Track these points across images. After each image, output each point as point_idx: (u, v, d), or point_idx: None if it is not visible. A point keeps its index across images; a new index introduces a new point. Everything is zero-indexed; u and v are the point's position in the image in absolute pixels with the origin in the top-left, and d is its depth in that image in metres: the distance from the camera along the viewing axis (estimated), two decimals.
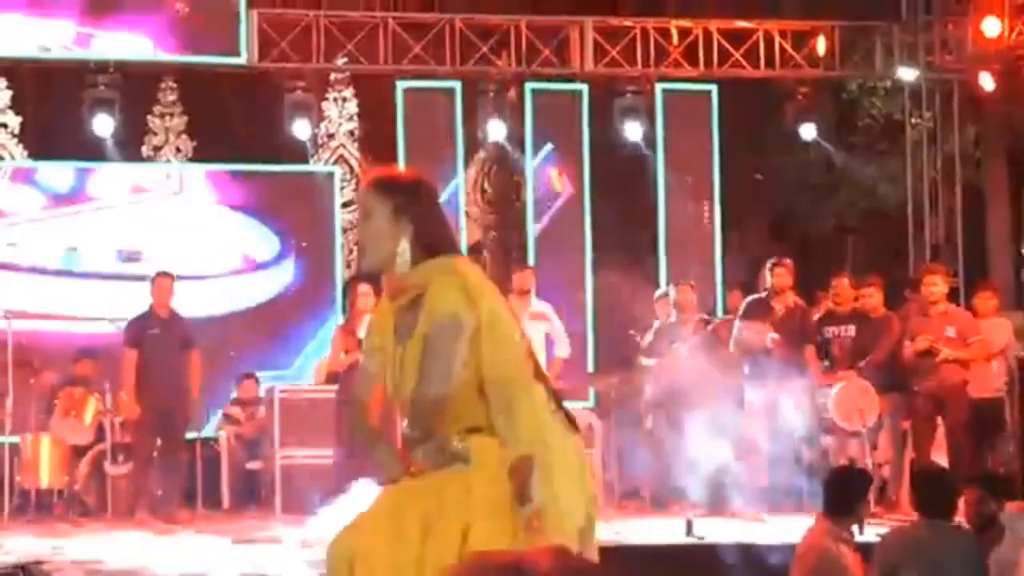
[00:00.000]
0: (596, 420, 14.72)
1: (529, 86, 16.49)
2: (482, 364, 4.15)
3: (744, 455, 13.27)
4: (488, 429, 4.22)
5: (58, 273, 15.65)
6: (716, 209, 16.60)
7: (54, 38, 15.02)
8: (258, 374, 15.10)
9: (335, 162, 16.88)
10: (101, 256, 15.80)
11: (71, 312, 15.67)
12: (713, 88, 16.68)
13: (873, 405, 12.55)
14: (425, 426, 4.24)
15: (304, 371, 15.48)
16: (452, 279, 4.20)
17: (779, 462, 13.33)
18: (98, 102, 15.13)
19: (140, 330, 13.29)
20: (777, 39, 16.47)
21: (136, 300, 13.77)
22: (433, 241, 4.28)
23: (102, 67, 15.17)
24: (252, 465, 14.47)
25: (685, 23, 16.50)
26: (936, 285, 12.77)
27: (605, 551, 9.32)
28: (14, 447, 13.95)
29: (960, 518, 7.97)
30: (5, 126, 16.00)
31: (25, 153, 16.05)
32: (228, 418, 14.76)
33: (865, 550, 7.89)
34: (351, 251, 16.25)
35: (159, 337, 13.22)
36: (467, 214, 16.71)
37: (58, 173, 15.73)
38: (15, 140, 16.04)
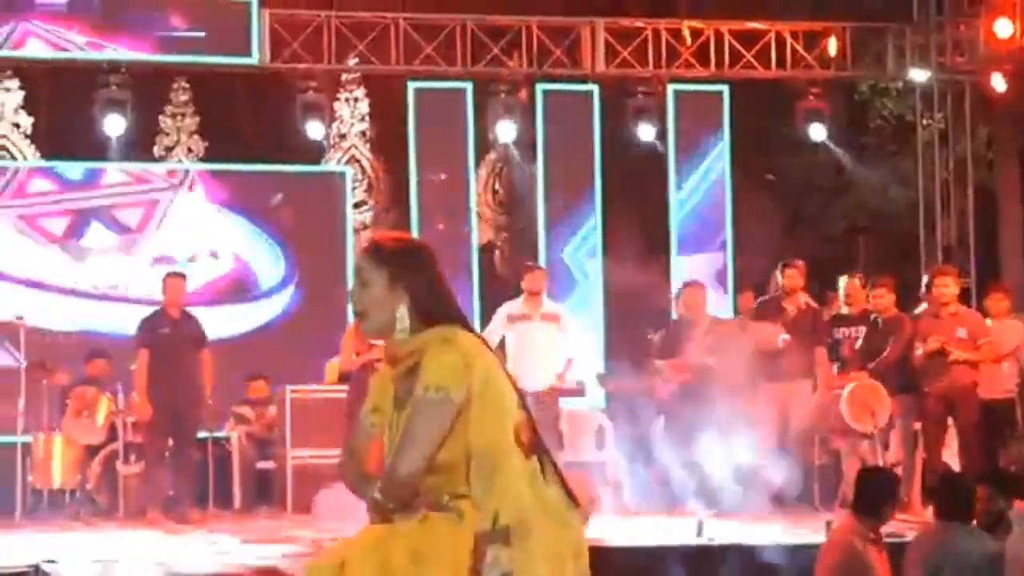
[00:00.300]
0: (606, 420, 14.72)
1: (540, 87, 16.49)
2: (470, 431, 4.11)
3: (755, 456, 13.29)
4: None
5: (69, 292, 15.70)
6: (727, 210, 16.59)
7: (66, 39, 15.07)
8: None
9: (347, 162, 16.87)
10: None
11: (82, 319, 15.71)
12: (725, 89, 16.67)
13: (884, 406, 12.52)
14: (397, 500, 4.18)
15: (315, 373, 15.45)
16: (446, 349, 4.14)
17: (790, 463, 13.34)
18: (110, 102, 15.13)
19: (151, 330, 13.29)
20: (789, 40, 16.46)
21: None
22: (431, 309, 4.22)
23: (114, 68, 15.18)
24: (263, 465, 14.48)
25: (697, 24, 16.49)
26: (947, 286, 12.75)
27: (615, 552, 9.31)
28: (26, 447, 13.97)
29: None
30: (18, 126, 16.01)
31: (38, 153, 16.07)
32: (238, 417, 14.77)
33: (891, 551, 7.91)
34: None
35: (170, 337, 13.21)
36: (478, 215, 16.70)
37: (71, 172, 15.80)
38: (27, 140, 16.05)
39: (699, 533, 10.57)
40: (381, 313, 4.20)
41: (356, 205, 16.71)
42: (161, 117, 16.46)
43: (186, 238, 15.85)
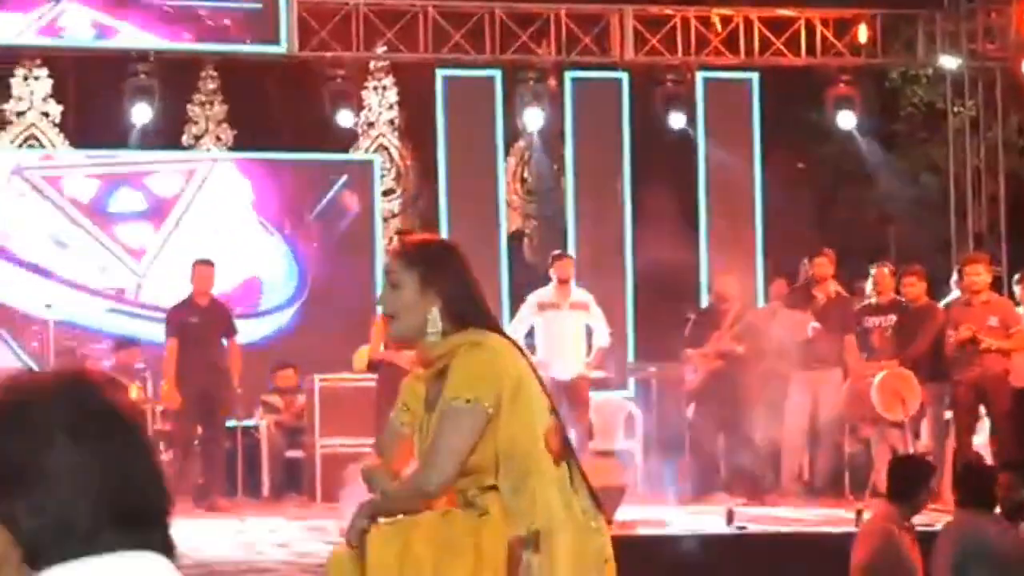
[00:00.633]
0: (636, 409, 14.69)
1: (569, 75, 16.42)
2: (499, 436, 4.09)
3: (785, 445, 13.25)
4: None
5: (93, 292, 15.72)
6: (758, 198, 16.53)
7: (94, 28, 15.08)
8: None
9: (375, 151, 16.84)
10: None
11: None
12: (754, 77, 16.59)
13: (915, 394, 12.47)
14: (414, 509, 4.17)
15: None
16: (477, 354, 4.12)
17: (820, 452, 13.30)
18: (138, 91, 15.12)
19: (180, 319, 13.27)
20: (819, 27, 16.35)
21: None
22: (462, 312, 4.20)
23: (142, 56, 15.18)
24: (292, 453, 14.46)
25: (726, 11, 16.40)
26: (979, 275, 12.69)
27: (644, 541, 9.28)
28: None
29: None
30: (47, 115, 16.01)
31: (66, 142, 16.07)
32: (266, 406, 14.76)
33: (923, 540, 7.89)
34: (390, 240, 16.20)
35: (199, 326, 13.19)
36: (507, 203, 16.67)
37: (87, 185, 15.78)
38: (56, 129, 16.06)
39: (729, 522, 10.54)
40: (411, 316, 4.19)
41: (384, 193, 16.67)
42: (189, 106, 16.43)
43: (206, 236, 15.82)
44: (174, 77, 15.61)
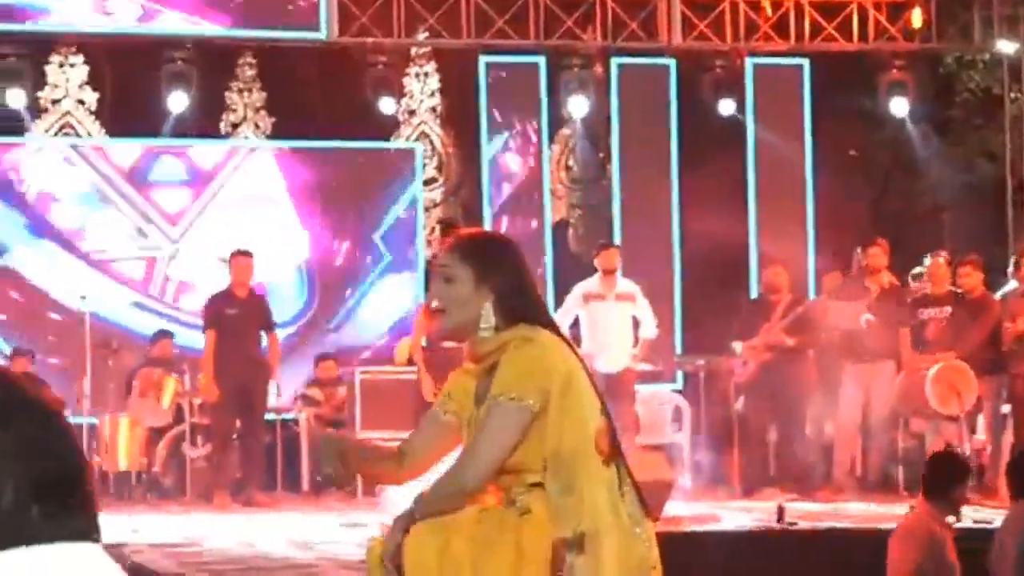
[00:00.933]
0: (684, 402, 14.51)
1: (615, 61, 16.21)
2: (547, 434, 3.99)
3: (837, 439, 13.06)
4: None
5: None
6: (808, 187, 16.30)
7: (130, 14, 14.98)
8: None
9: (417, 139, 16.64)
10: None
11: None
12: (805, 62, 16.39)
13: (971, 388, 12.29)
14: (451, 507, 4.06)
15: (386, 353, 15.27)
16: (527, 350, 4.02)
17: (873, 446, 13.10)
18: (175, 78, 15.07)
19: (218, 310, 13.16)
20: (871, 11, 16.12)
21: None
22: (515, 307, 4.11)
23: (179, 43, 15.09)
24: None
25: None
26: None
27: (693, 537, 9.12)
28: (92, 429, 13.86)
29: None
30: (82, 102, 15.85)
31: (103, 131, 15.92)
32: (306, 399, 14.58)
33: (966, 539, 7.70)
34: (432, 230, 16.04)
35: (238, 317, 13.08)
36: (552, 191, 16.48)
37: (129, 151, 15.69)
38: (92, 117, 15.90)
39: (779, 518, 10.32)
40: (463, 311, 4.11)
41: (426, 183, 16.48)
42: (227, 93, 16.25)
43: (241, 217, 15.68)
44: (212, 64, 15.55)
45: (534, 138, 16.23)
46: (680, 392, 15.03)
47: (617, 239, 15.41)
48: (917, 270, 13.87)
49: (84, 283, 15.09)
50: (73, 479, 1.80)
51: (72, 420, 13.81)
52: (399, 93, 16.20)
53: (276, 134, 16.27)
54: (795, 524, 10.30)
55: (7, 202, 15.33)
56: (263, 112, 16.29)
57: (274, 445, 13.90)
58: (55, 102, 15.82)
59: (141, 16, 15.07)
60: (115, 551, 8.71)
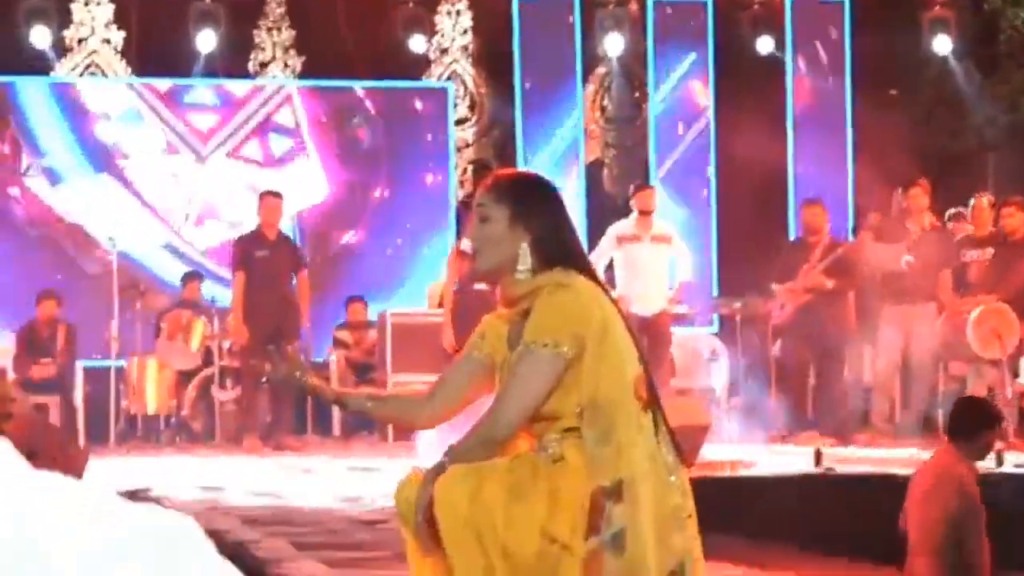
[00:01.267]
0: (720, 345, 14.36)
1: None
2: (583, 381, 3.91)
3: (876, 383, 12.91)
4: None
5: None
6: (848, 127, 16.10)
7: None
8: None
9: (448, 78, 16.46)
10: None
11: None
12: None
13: (1013, 331, 12.10)
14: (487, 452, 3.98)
15: (417, 296, 15.14)
16: (561, 295, 3.93)
17: (913, 390, 12.95)
18: (202, 16, 15.02)
19: (247, 252, 13.04)
20: None
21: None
22: (551, 251, 4.02)
23: None
24: (363, 388, 14.13)
25: None
26: None
27: (729, 482, 8.95)
28: (120, 372, 13.77)
29: None
30: (108, 41, 15.71)
31: (129, 70, 15.79)
32: (337, 342, 14.45)
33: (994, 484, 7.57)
34: (464, 170, 15.88)
35: (267, 259, 12.97)
36: (586, 132, 16.30)
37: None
38: (119, 56, 15.76)
39: (817, 462, 10.16)
40: (497, 252, 4.04)
41: (458, 122, 16.31)
42: (255, 32, 16.09)
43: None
44: (240, 2, 15.40)
45: (568, 77, 16.05)
46: (717, 335, 14.92)
47: (653, 179, 15.25)
48: (954, 211, 13.68)
49: (116, 211, 15.02)
50: None
51: (101, 363, 13.90)
52: (430, 31, 16.04)
53: (306, 73, 16.11)
54: (833, 469, 10.15)
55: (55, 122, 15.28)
56: (292, 51, 16.14)
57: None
58: (80, 41, 15.70)
59: None
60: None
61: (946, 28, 15.98)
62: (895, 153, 15.68)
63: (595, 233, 13.99)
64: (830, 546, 7.93)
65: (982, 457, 7.59)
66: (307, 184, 15.70)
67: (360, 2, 15.70)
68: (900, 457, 11.30)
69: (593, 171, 16.37)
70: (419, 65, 16.18)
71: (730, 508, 8.07)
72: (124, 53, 15.72)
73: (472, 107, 16.51)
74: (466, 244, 4.09)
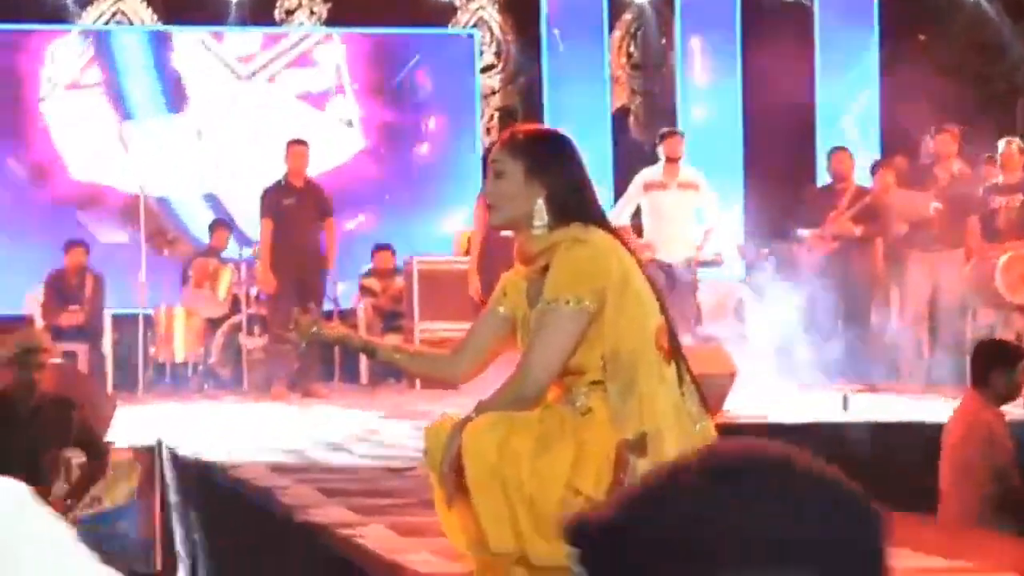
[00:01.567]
0: (747, 292, 14.33)
1: None
2: (605, 334, 3.92)
3: (904, 330, 12.88)
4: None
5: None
6: (876, 72, 16.00)
7: None
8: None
9: (474, 25, 16.42)
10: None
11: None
12: None
13: None
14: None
15: (444, 243, 15.15)
16: (579, 251, 3.94)
17: (940, 337, 12.92)
18: None
19: (275, 200, 13.01)
20: None
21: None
22: (567, 206, 4.03)
23: None
24: (390, 338, 14.13)
25: None
26: None
27: (754, 429, 8.95)
28: (148, 319, 13.80)
29: None
30: None
31: (155, 17, 15.77)
32: (364, 290, 14.46)
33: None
34: (491, 117, 15.83)
35: (294, 207, 12.94)
36: (613, 78, 16.23)
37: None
38: (144, 4, 15.75)
39: (845, 408, 10.16)
40: (513, 208, 4.06)
41: (484, 70, 16.26)
42: None
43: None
44: None
45: (595, 23, 15.99)
46: (744, 282, 14.88)
47: (680, 126, 15.19)
48: (986, 155, 13.61)
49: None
50: None
51: (129, 311, 13.94)
52: None
53: (332, 20, 16.07)
54: (860, 416, 10.15)
55: None
56: None
57: None
58: None
59: None
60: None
61: None
62: (924, 99, 15.60)
63: (622, 180, 13.96)
64: (867, 495, 7.93)
65: (1009, 399, 7.59)
66: (341, 129, 15.70)
67: None
68: (927, 405, 11.30)
69: (620, 118, 16.32)
70: (445, 12, 16.12)
71: None
72: (150, 1, 15.70)
73: (498, 54, 16.46)
74: None
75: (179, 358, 13.71)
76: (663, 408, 3.90)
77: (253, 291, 13.61)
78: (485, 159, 15.13)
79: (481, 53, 16.24)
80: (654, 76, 16.63)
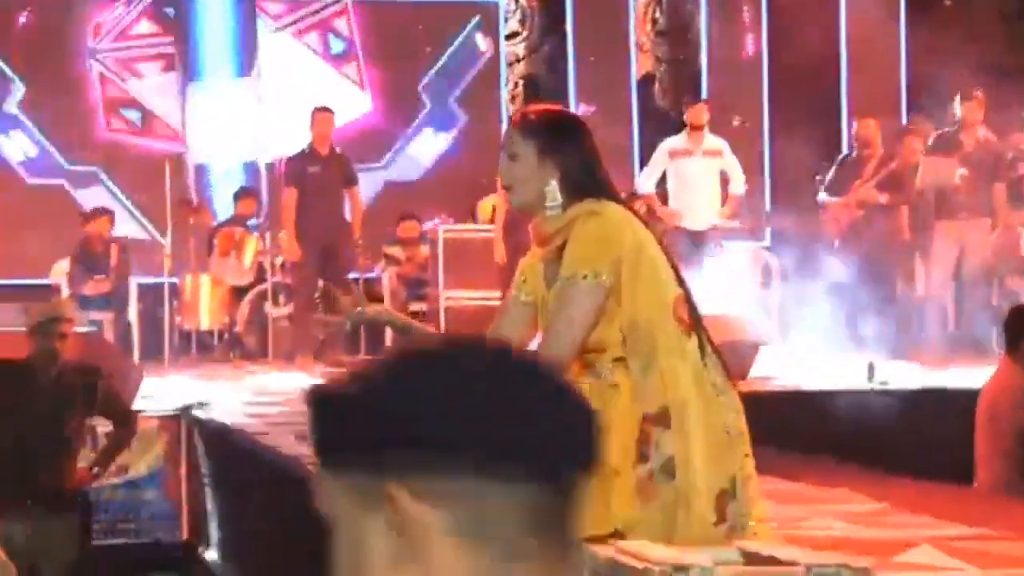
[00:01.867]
0: (773, 259, 14.29)
1: None
2: (622, 307, 3.94)
3: (930, 298, 12.83)
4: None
5: None
6: (902, 38, 15.89)
7: None
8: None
9: None
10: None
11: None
12: None
13: None
14: None
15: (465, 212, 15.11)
16: (594, 224, 3.97)
17: (966, 305, 12.87)
18: None
19: (300, 168, 13.01)
20: None
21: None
22: (580, 184, 4.05)
23: None
24: (415, 307, 14.09)
25: None
26: None
27: (779, 397, 8.93)
28: (173, 288, 13.79)
29: None
30: None
31: None
32: (389, 258, 14.43)
33: None
34: (516, 84, 15.77)
35: (320, 175, 12.93)
36: (638, 45, 16.16)
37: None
38: None
39: (870, 376, 10.13)
40: (528, 188, 4.07)
41: (508, 37, 16.19)
42: None
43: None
44: None
45: None
46: (769, 249, 14.84)
47: (704, 94, 15.12)
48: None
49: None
50: None
51: (154, 280, 13.95)
52: None
53: None
54: (886, 383, 10.12)
55: None
56: None
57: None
58: None
59: None
60: None
61: None
62: (949, 65, 15.50)
63: (646, 148, 13.93)
64: (891, 463, 7.91)
65: None
66: (355, 94, 15.67)
67: None
68: (953, 372, 11.27)
69: (644, 86, 16.25)
70: None
71: (783, 424, 8.06)
72: None
73: (523, 22, 16.38)
74: None
75: (204, 326, 13.71)
76: (684, 381, 3.91)
77: (279, 260, 13.59)
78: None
79: (506, 20, 16.18)
80: (679, 43, 16.55)
